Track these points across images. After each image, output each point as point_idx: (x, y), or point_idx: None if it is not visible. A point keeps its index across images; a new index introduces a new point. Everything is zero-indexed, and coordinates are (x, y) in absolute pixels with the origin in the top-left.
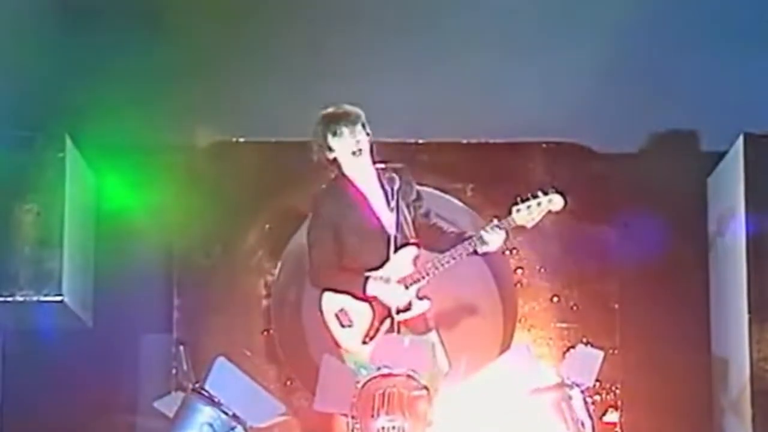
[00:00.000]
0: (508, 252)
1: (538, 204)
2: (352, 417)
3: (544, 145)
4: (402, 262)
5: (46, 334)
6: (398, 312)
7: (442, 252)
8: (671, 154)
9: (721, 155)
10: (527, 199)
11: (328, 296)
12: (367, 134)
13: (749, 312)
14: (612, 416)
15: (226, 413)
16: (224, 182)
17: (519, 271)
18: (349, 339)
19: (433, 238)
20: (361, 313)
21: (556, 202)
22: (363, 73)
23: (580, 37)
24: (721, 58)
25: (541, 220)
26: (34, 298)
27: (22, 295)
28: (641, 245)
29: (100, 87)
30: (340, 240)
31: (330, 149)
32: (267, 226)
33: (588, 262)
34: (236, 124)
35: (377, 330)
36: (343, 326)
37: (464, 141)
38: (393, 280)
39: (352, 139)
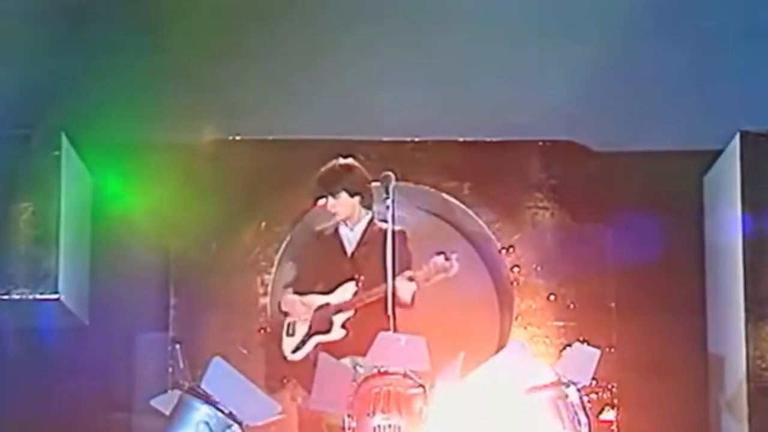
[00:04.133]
0: (504, 250)
1: (434, 264)
2: (349, 415)
3: (540, 144)
4: (342, 293)
5: (42, 332)
6: (317, 333)
7: None
8: (668, 152)
9: (718, 153)
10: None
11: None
12: (353, 194)
13: (746, 310)
14: (608, 414)
15: (222, 411)
16: (220, 180)
17: (515, 269)
18: (287, 346)
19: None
20: (302, 327)
21: (450, 269)
22: (359, 71)
23: (577, 35)
24: (718, 56)
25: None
26: (30, 297)
27: (18, 294)
28: (638, 244)
29: (96, 85)
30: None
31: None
32: (263, 224)
33: (585, 260)
34: (232, 122)
35: (303, 344)
36: (288, 335)
37: (461, 139)
38: (304, 299)
39: (330, 201)
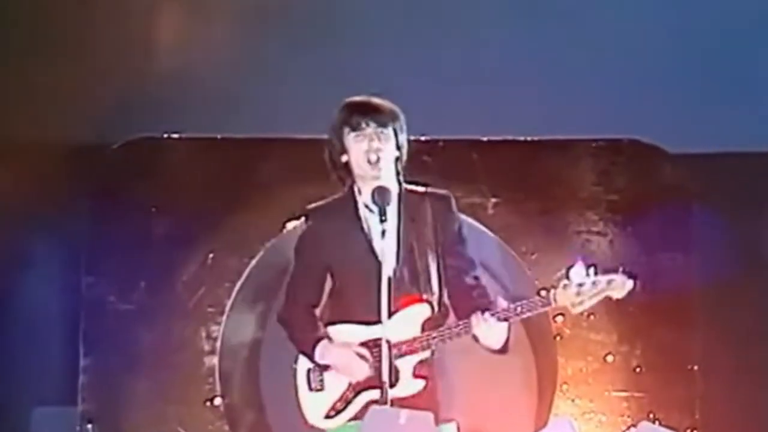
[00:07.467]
0: (544, 292)
1: (593, 284)
2: None
3: (594, 144)
4: (407, 322)
5: None
6: (368, 388)
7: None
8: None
9: None
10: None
11: None
12: (398, 147)
13: None
14: None
15: None
16: (149, 194)
17: (559, 318)
18: (313, 407)
19: (467, 301)
20: (336, 377)
21: (620, 288)
22: (364, 57)
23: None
24: None
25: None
26: None
27: None
28: (733, 282)
29: None
30: (330, 277)
31: (344, 149)
32: (210, 255)
33: (657, 306)
34: (173, 116)
35: (347, 403)
36: (311, 389)
37: (484, 138)
38: (353, 345)
39: (374, 142)
